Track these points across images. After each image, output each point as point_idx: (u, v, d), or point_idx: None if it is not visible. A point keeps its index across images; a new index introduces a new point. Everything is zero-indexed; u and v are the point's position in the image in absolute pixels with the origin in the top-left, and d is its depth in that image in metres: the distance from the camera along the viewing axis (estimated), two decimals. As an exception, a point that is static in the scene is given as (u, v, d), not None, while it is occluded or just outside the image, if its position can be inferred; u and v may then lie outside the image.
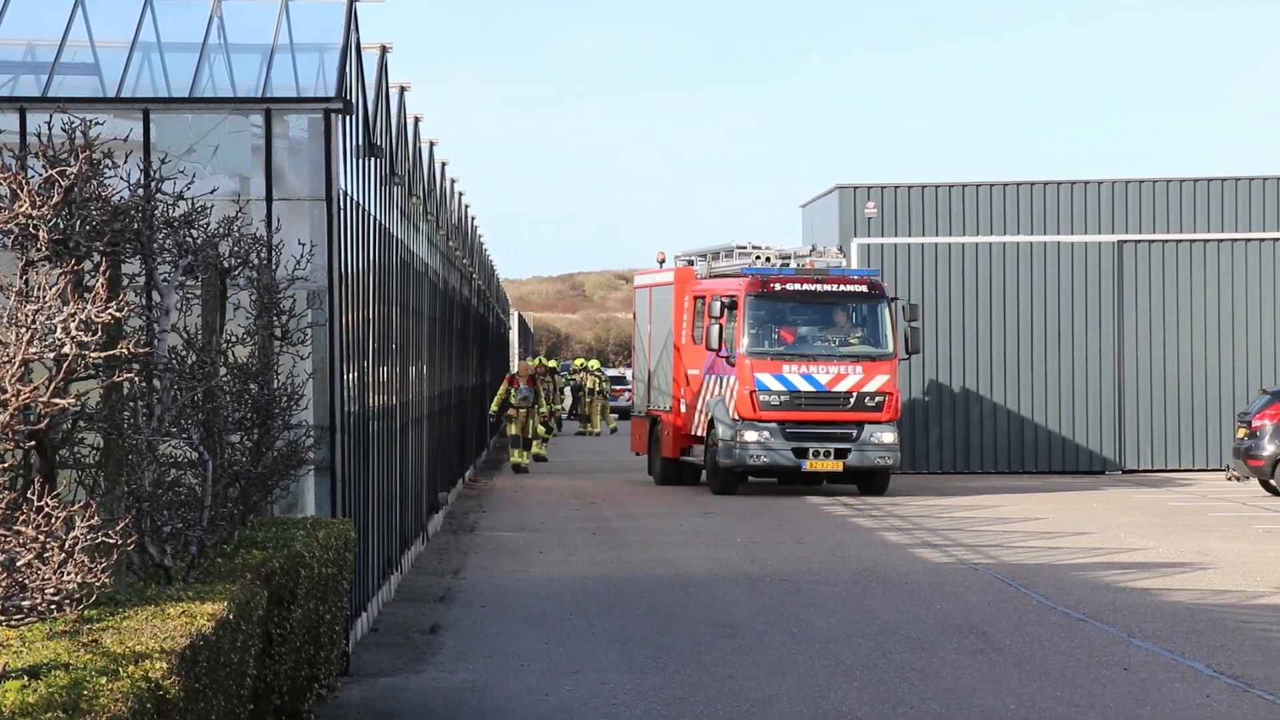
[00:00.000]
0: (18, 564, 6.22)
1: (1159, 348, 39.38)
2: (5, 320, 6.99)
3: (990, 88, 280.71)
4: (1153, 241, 39.39)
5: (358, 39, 15.31)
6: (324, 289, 13.69)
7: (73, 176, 7.79)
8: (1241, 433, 33.24)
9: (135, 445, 9.10)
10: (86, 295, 7.67)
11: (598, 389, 61.35)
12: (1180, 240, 39.39)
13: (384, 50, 17.90)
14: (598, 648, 15.33)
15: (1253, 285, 39.41)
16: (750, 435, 31.53)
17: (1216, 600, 18.39)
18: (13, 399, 6.22)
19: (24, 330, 6.71)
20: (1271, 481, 32.47)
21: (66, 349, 6.96)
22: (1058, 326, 39.26)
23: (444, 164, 28.91)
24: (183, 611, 7.98)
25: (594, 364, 65.07)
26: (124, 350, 7.50)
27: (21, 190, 7.15)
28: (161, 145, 13.43)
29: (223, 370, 10.62)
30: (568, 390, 65.50)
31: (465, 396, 34.73)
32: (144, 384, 9.43)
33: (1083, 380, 39.27)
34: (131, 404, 9.22)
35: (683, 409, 34.02)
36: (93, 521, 6.58)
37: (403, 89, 20.72)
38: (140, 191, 9.30)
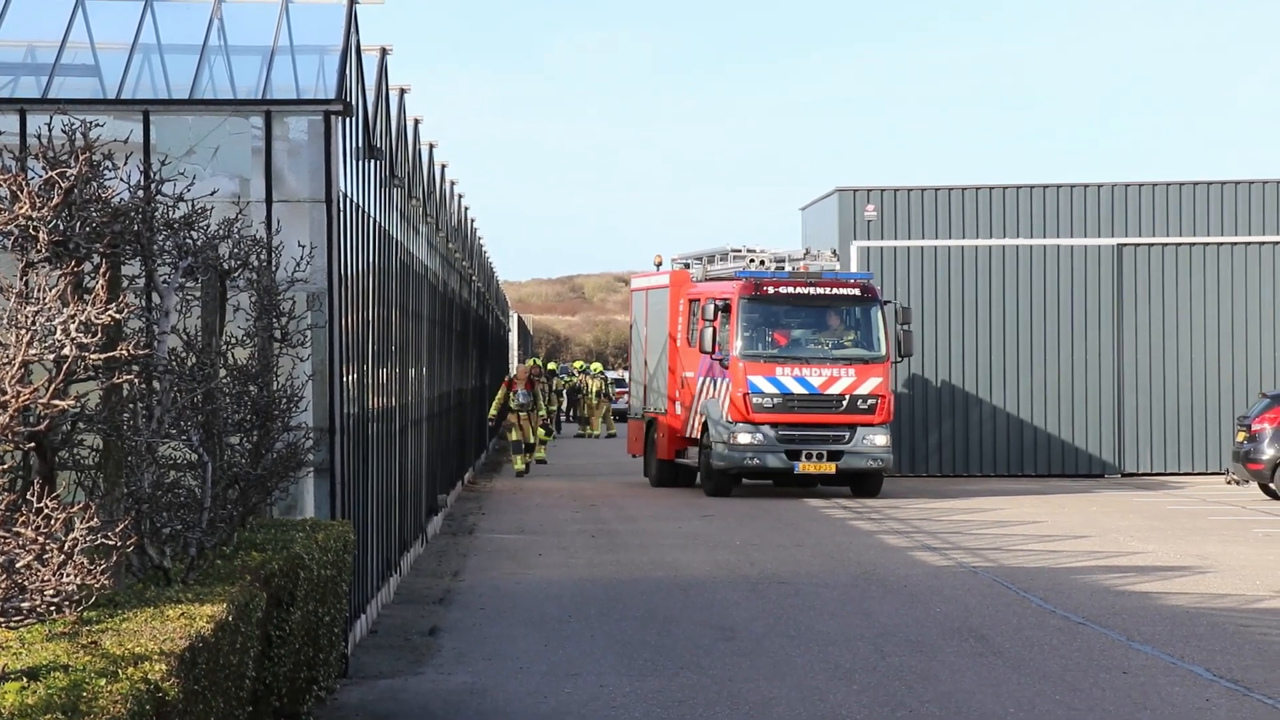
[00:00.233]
0: (17, 565, 6.21)
1: (1158, 351, 39.39)
2: (5, 322, 6.99)
3: (990, 89, 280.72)
4: (1152, 245, 39.39)
5: (358, 41, 15.31)
6: (324, 291, 13.69)
7: (73, 178, 7.79)
8: (1241, 436, 33.24)
9: (135, 447, 9.10)
10: (86, 297, 7.67)
11: (603, 391, 61.35)
12: (1180, 243, 39.40)
13: (384, 52, 17.91)
14: (597, 650, 15.33)
15: (1252, 289, 39.41)
16: (743, 437, 31.68)
17: (1216, 604, 18.39)
18: (13, 400, 6.22)
19: (24, 332, 6.70)
20: (1271, 485, 32.47)
21: (66, 350, 6.96)
22: (1057, 329, 39.26)
23: (444, 166, 28.91)
24: (182, 613, 7.98)
25: (596, 367, 65.09)
26: (124, 352, 7.49)
27: (22, 192, 7.15)
28: (161, 147, 13.43)
29: (222, 372, 10.62)
30: (564, 393, 65.47)
31: (465, 399, 34.74)
32: (144, 386, 9.43)
33: (1082, 383, 39.27)
34: (131, 406, 9.22)
35: (678, 411, 34.18)
36: (92, 523, 6.57)
37: (403, 91, 20.73)
38: (140, 193, 9.30)
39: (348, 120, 14.55)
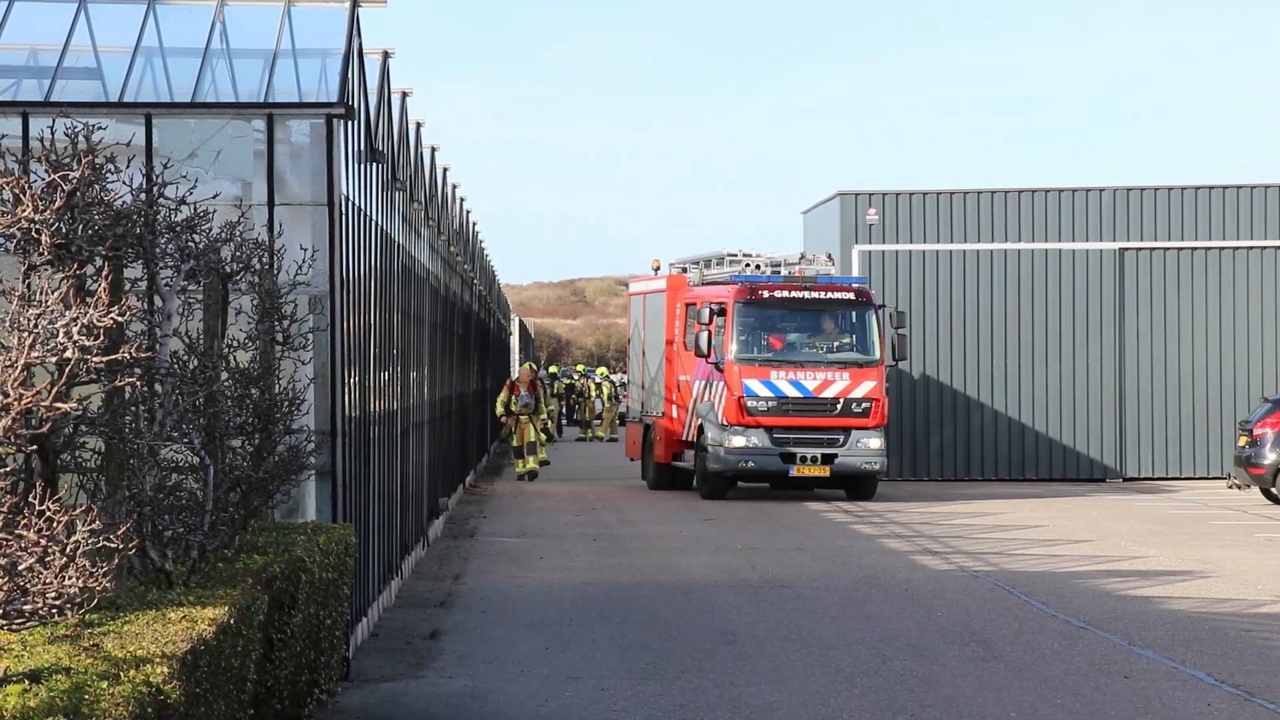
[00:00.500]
0: (19, 568, 6.22)
1: (1160, 355, 39.38)
2: (8, 324, 6.99)
3: (992, 93, 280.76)
4: (1154, 249, 39.39)
5: (360, 44, 15.32)
6: (325, 294, 13.70)
7: (75, 181, 7.79)
8: (1243, 441, 33.23)
9: (137, 450, 9.10)
10: (89, 300, 7.68)
11: (614, 395, 61.43)
12: (1182, 248, 39.40)
13: (386, 56, 17.91)
14: (598, 654, 15.32)
15: (1254, 293, 39.41)
16: (738, 440, 31.84)
17: (1218, 609, 18.38)
18: (15, 403, 6.22)
19: (26, 334, 6.71)
20: (1273, 489, 32.45)
21: (69, 353, 6.96)
22: (1059, 334, 39.26)
23: (445, 169, 28.92)
24: (184, 616, 7.98)
25: (601, 371, 65.18)
26: (126, 355, 7.50)
27: (24, 194, 7.15)
28: (164, 150, 13.43)
29: (224, 375, 10.62)
30: (564, 396, 65.44)
31: (466, 402, 34.75)
32: (146, 388, 9.43)
33: (1084, 388, 39.26)
34: (133, 408, 9.22)
35: (675, 414, 34.35)
36: (94, 526, 6.57)
37: (404, 94, 20.74)
38: (142, 196, 9.30)
39: (350, 123, 14.56)
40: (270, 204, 13.70)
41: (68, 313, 7.06)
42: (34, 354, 6.64)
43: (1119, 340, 39.31)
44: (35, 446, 7.63)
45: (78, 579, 6.36)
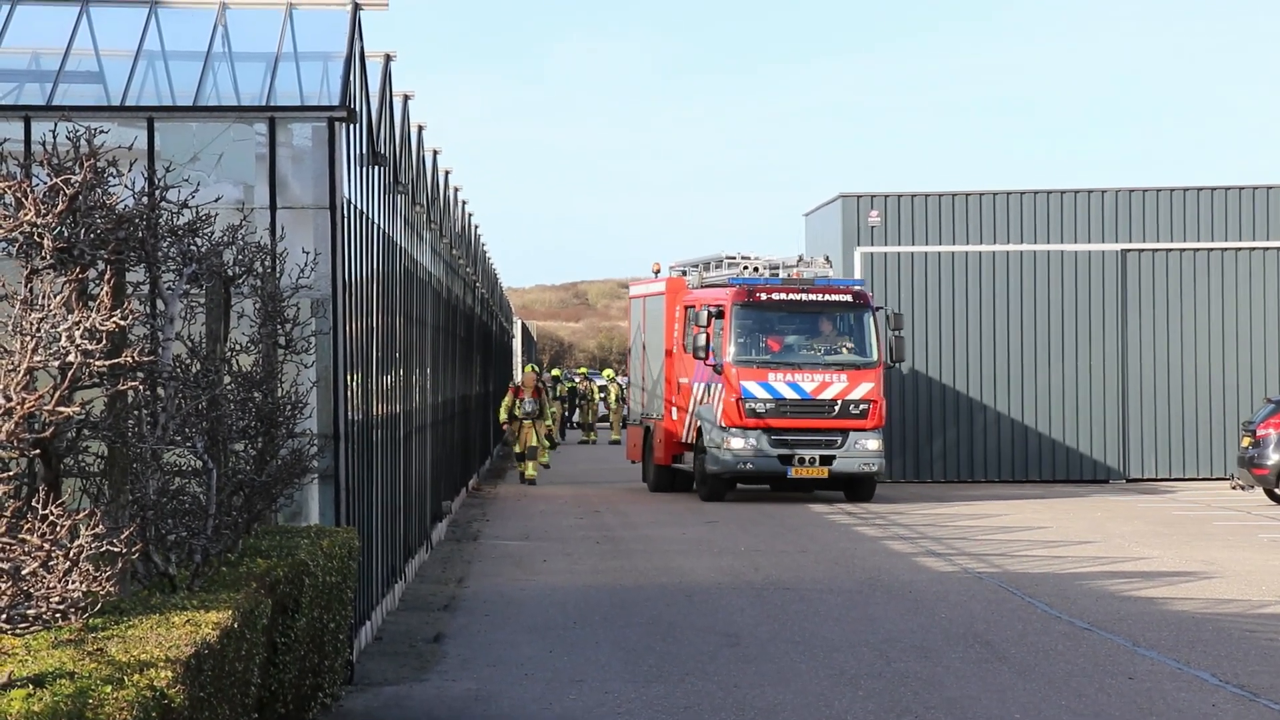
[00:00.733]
0: (23, 572, 6.21)
1: (1163, 356, 39.36)
2: (10, 328, 6.98)
3: (995, 95, 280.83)
4: (1157, 250, 39.38)
5: (361, 47, 15.31)
6: (328, 297, 13.69)
7: (77, 185, 7.78)
8: (1246, 441, 33.19)
9: (140, 454, 9.09)
10: (91, 303, 7.67)
11: (621, 396, 61.48)
12: (1185, 249, 39.38)
13: (388, 59, 17.91)
14: (602, 656, 15.31)
15: (1257, 294, 39.38)
16: (736, 442, 31.96)
17: (1222, 609, 18.36)
18: (18, 407, 6.21)
19: (29, 338, 6.70)
20: (1276, 490, 32.42)
21: (71, 357, 6.96)
22: (1061, 335, 39.24)
23: (447, 172, 28.92)
24: (187, 620, 7.97)
25: (608, 373, 65.17)
26: (128, 358, 7.49)
27: (26, 198, 7.14)
28: (166, 153, 13.42)
29: (227, 379, 10.61)
30: (575, 401, 65.39)
31: (469, 405, 34.75)
32: (148, 392, 9.42)
33: (1086, 389, 39.25)
34: (136, 412, 9.21)
35: (674, 417, 34.50)
36: (97, 530, 6.57)
37: (406, 97, 20.73)
38: (145, 200, 9.29)
39: (351, 127, 14.55)
40: (272, 207, 13.70)
41: (70, 317, 7.05)
42: (36, 358, 6.63)
43: (1122, 341, 39.29)
44: (38, 451, 7.62)
45: (81, 583, 6.35)
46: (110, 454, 8.89)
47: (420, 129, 23.25)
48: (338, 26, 14.91)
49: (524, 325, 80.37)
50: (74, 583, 6.34)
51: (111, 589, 6.61)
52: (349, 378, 14.23)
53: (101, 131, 8.36)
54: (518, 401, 38.39)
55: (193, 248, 9.93)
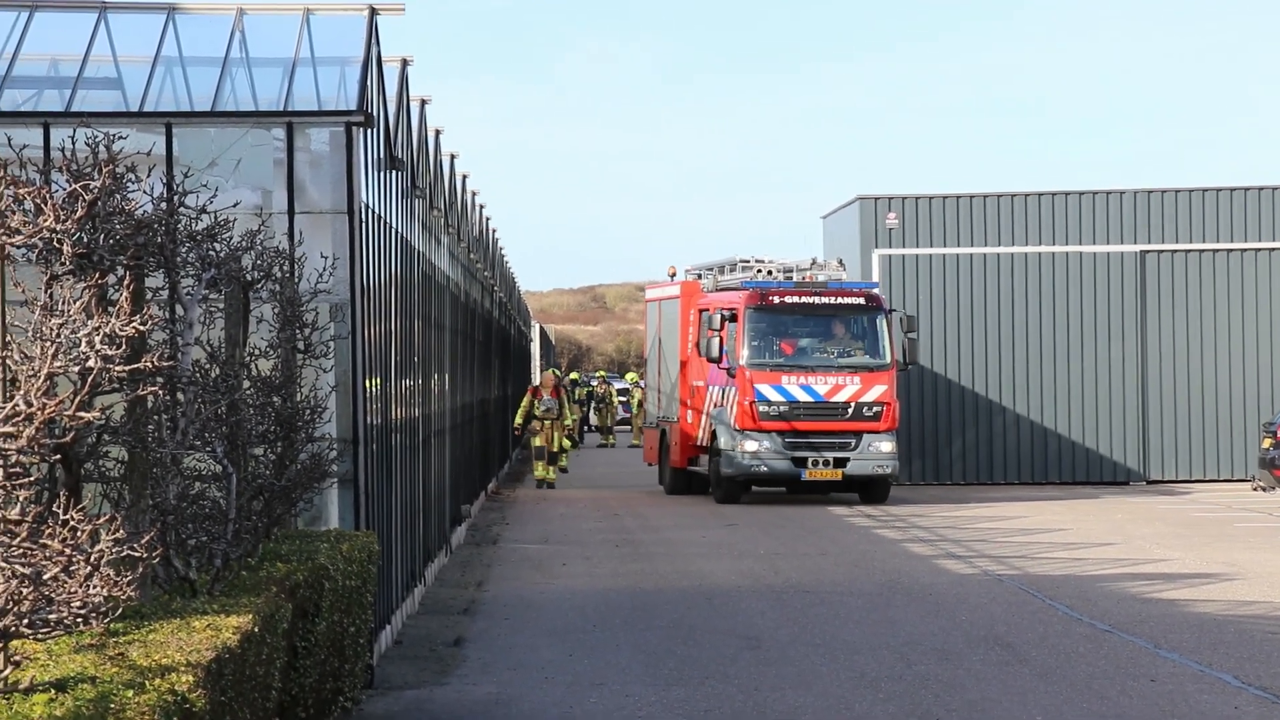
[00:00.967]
0: (44, 577, 6.22)
1: (1183, 358, 39.26)
2: (30, 334, 7.00)
3: (1013, 96, 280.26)
4: (1176, 251, 39.29)
5: (378, 52, 15.33)
6: (346, 302, 13.70)
7: (96, 191, 7.80)
8: (1267, 443, 33.12)
9: (160, 459, 9.10)
10: (110, 309, 7.68)
11: (643, 400, 61.45)
12: (1204, 250, 39.29)
13: (405, 63, 17.93)
14: (622, 660, 15.31)
15: (1278, 295, 39.27)
16: (750, 445, 32.12)
17: (1244, 611, 18.31)
18: (38, 413, 6.22)
19: (49, 344, 6.71)
20: (1297, 491, 32.34)
21: (91, 363, 6.97)
22: (1081, 337, 39.17)
23: (465, 176, 28.93)
24: (208, 624, 7.98)
25: (631, 377, 65.18)
26: (148, 364, 7.50)
27: (45, 204, 7.16)
28: (184, 159, 13.44)
29: (246, 383, 10.63)
30: (592, 403, 65.37)
31: (487, 409, 34.77)
32: (168, 397, 9.44)
33: (1106, 390, 39.16)
34: (156, 417, 9.23)
35: (690, 419, 34.66)
36: (118, 535, 6.57)
37: (423, 101, 20.74)
38: (163, 205, 9.31)
39: (369, 131, 14.57)
40: (290, 212, 13.71)
41: (90, 322, 7.06)
42: (57, 364, 6.64)
43: (1141, 343, 39.21)
44: (59, 456, 7.63)
45: (102, 588, 6.36)
46: (130, 459, 8.90)
47: (437, 133, 23.27)
48: (354, 31, 14.93)
49: (542, 329, 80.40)
50: (95, 587, 6.34)
51: (132, 594, 6.62)
52: (368, 382, 14.24)
53: (120, 137, 8.37)
54: (536, 401, 38.36)
55: (211, 253, 9.95)
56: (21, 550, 6.17)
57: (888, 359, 32.56)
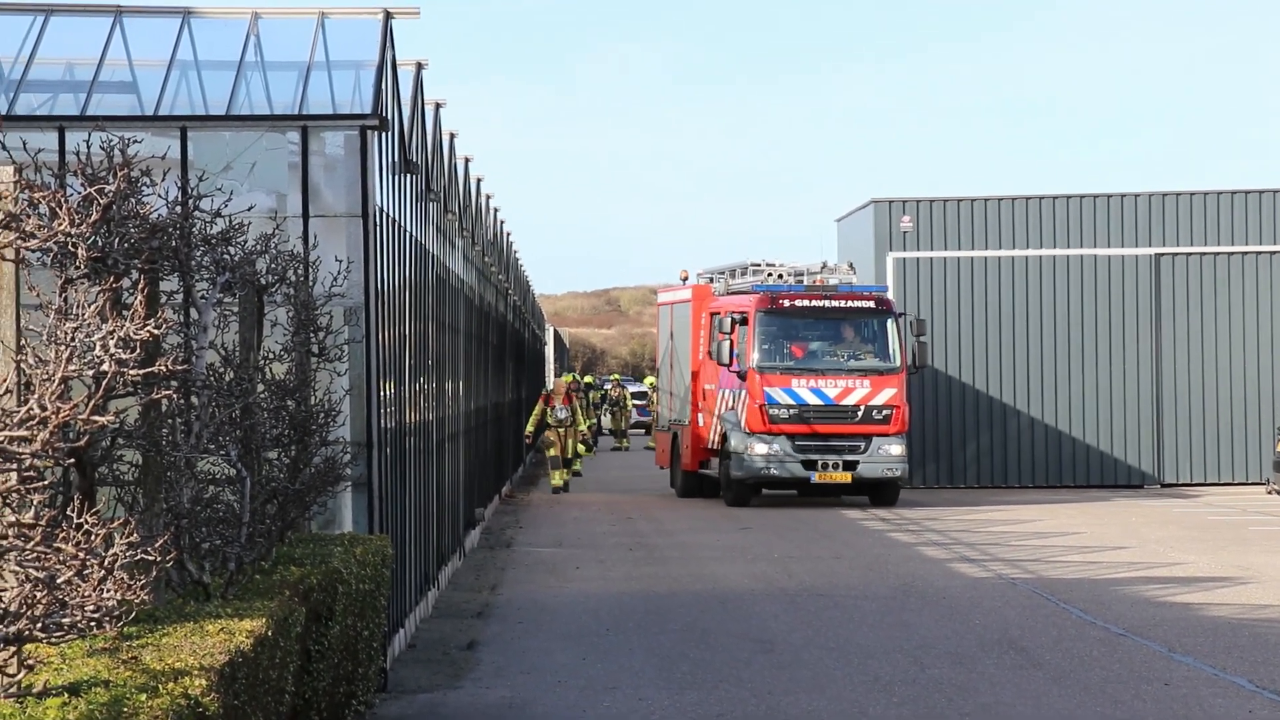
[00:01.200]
0: (58, 581, 6.23)
1: (1197, 361, 39.19)
2: (45, 338, 7.01)
3: (1027, 99, 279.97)
4: (1190, 254, 39.22)
5: (393, 56, 15.34)
6: (360, 305, 13.72)
7: (111, 194, 7.81)
8: (1281, 446, 33.03)
9: (174, 462, 9.11)
10: (125, 313, 7.69)
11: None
12: (1218, 253, 39.22)
13: (419, 67, 17.94)
14: (635, 663, 15.30)
15: (1291, 298, 39.19)
16: (760, 448, 32.26)
17: (1259, 615, 18.27)
18: (53, 416, 6.23)
19: (63, 348, 6.72)
20: (1312, 495, 32.26)
21: (105, 366, 6.98)
22: (1095, 340, 39.12)
23: (479, 180, 28.95)
24: (221, 628, 7.98)
25: (650, 381, 65.20)
26: (162, 367, 7.51)
27: (60, 208, 7.17)
28: (199, 163, 13.48)
29: (260, 387, 10.64)
30: (604, 407, 65.39)
31: (502, 412, 34.79)
32: (182, 401, 9.45)
33: (1120, 394, 39.11)
34: (170, 421, 9.24)
35: (701, 422, 34.80)
36: (132, 539, 6.58)
37: (438, 105, 20.76)
38: (178, 209, 9.32)
39: (384, 135, 14.58)
40: (305, 216, 13.73)
41: (104, 326, 7.07)
42: (71, 367, 6.65)
43: (1155, 346, 39.15)
44: (73, 460, 7.64)
45: (116, 592, 6.37)
46: (145, 462, 8.92)
47: (452, 136, 23.28)
48: (369, 35, 14.94)
49: (556, 332, 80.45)
50: (108, 591, 6.35)
51: (146, 597, 6.63)
52: (382, 385, 14.25)
53: (135, 141, 8.38)
54: (549, 410, 38.32)
55: (226, 256, 9.96)
56: (35, 554, 6.18)
57: (897, 362, 32.69)
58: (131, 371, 7.09)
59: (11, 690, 6.32)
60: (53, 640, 6.39)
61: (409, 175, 16.75)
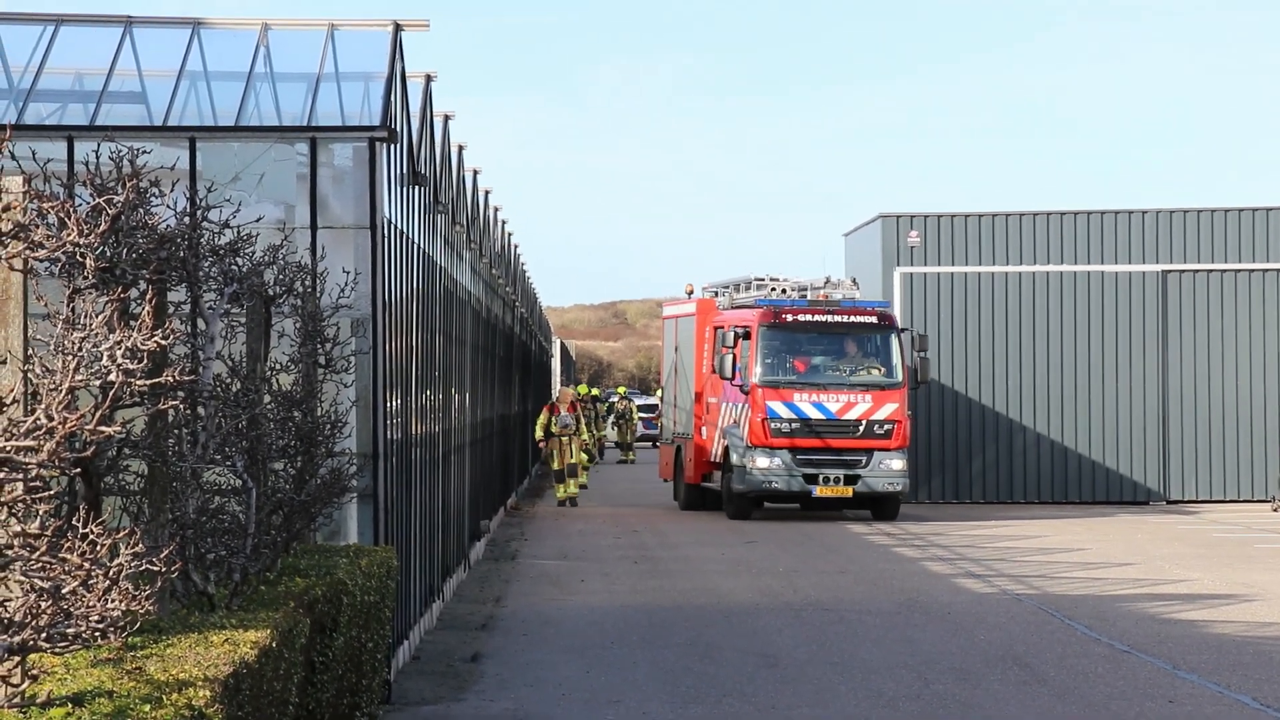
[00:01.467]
0: (63, 591, 6.23)
1: (1204, 378, 39.16)
2: (52, 348, 7.02)
3: (1035, 115, 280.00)
4: (1198, 271, 39.20)
5: (403, 68, 15.36)
6: (368, 317, 13.73)
7: (120, 204, 7.82)
8: (1287, 464, 32.99)
9: (180, 473, 9.12)
10: (132, 323, 7.70)
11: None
12: (1225, 270, 39.20)
13: (428, 79, 17.96)
14: (639, 677, 15.30)
15: (1299, 315, 39.16)
16: (762, 461, 32.37)
17: (1263, 632, 18.25)
18: (59, 426, 6.24)
19: (70, 358, 6.73)
20: (1318, 513, 32.22)
21: (112, 376, 6.98)
22: (1102, 356, 39.10)
23: (487, 192, 28.98)
24: (226, 639, 7.99)
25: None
26: (169, 378, 7.52)
27: (69, 218, 7.18)
28: (208, 173, 13.50)
29: (267, 398, 10.65)
30: (610, 419, 65.39)
31: (507, 424, 34.80)
32: (189, 411, 9.46)
33: (1127, 410, 39.08)
34: (176, 431, 9.25)
35: (704, 435, 34.92)
36: (137, 549, 6.58)
37: (447, 117, 20.78)
38: (186, 219, 9.34)
39: (392, 147, 14.60)
40: (313, 227, 13.75)
41: (111, 336, 7.08)
42: (78, 377, 6.66)
43: (1162, 363, 39.12)
44: (79, 470, 7.65)
45: (120, 602, 6.37)
46: (150, 473, 8.92)
47: (460, 149, 23.31)
48: (379, 47, 14.97)
49: (563, 344, 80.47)
50: (113, 601, 6.36)
51: (150, 608, 6.64)
52: (388, 397, 14.26)
53: (144, 152, 8.40)
54: (553, 417, 38.29)
55: (234, 267, 9.97)
56: (41, 564, 6.19)
57: (899, 377, 32.81)
58: (138, 382, 7.10)
59: (16, 700, 6.33)
60: (57, 650, 6.39)
61: (417, 187, 16.77)
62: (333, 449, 11.36)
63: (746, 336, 32.89)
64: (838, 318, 33.05)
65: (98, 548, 6.34)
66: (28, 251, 6.89)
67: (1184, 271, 39.20)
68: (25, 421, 6.27)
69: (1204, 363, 39.15)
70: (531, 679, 15.17)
